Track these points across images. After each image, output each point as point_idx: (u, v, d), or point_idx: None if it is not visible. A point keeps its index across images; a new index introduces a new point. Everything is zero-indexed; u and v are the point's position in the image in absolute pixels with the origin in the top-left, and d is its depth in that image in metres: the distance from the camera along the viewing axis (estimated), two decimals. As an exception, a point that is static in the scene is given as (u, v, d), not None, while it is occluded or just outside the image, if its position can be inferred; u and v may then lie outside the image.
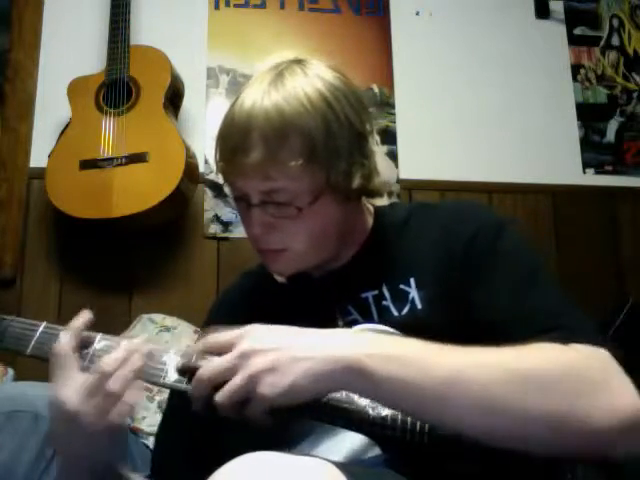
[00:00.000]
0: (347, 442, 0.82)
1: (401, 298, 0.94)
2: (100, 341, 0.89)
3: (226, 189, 0.98)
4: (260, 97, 0.89)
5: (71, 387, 0.81)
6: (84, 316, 0.88)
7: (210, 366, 0.76)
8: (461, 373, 0.73)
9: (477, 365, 0.74)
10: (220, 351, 0.78)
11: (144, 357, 0.82)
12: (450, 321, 0.88)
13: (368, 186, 0.96)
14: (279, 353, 0.74)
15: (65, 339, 0.85)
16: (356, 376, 0.73)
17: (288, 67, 0.93)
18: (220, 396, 0.74)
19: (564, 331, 0.80)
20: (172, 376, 0.83)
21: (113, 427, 0.81)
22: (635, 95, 2.47)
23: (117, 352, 0.82)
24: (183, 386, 0.81)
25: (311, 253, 0.95)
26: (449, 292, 0.91)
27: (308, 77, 0.92)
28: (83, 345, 0.87)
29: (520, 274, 0.90)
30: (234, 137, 0.90)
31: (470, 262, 0.91)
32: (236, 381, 0.74)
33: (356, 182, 0.93)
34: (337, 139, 0.90)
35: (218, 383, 0.75)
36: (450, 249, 0.93)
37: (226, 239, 2.14)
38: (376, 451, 0.82)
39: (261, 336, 0.77)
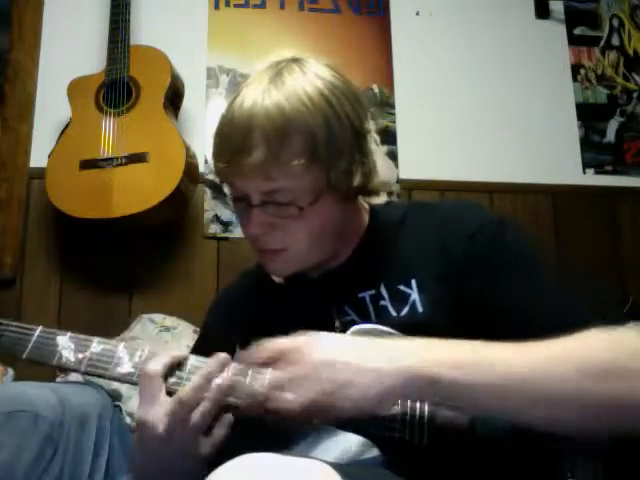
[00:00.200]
0: (345, 443, 0.82)
1: (400, 299, 0.93)
2: (97, 345, 0.89)
3: (225, 189, 0.98)
4: (260, 96, 0.89)
5: (157, 411, 0.81)
6: (184, 354, 0.87)
7: (281, 376, 0.75)
8: (531, 371, 0.74)
9: (541, 361, 0.74)
10: (283, 359, 0.77)
11: (224, 390, 0.80)
12: (453, 322, 0.88)
13: (368, 185, 0.96)
14: (351, 366, 0.74)
15: (157, 361, 0.85)
16: (427, 385, 0.73)
17: (286, 66, 0.93)
18: (291, 404, 0.74)
19: (605, 319, 0.81)
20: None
21: (201, 456, 0.81)
22: (635, 95, 2.47)
23: (194, 380, 0.81)
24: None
25: (310, 252, 0.95)
26: (451, 293, 0.90)
27: (307, 75, 0.92)
28: (80, 349, 0.87)
29: (529, 272, 0.90)
30: (235, 137, 0.89)
31: (471, 263, 0.91)
32: (306, 393, 0.73)
33: (356, 181, 0.93)
34: (338, 138, 0.90)
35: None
36: (449, 249, 0.93)
37: (226, 239, 2.14)
38: (374, 452, 0.82)
39: (327, 347, 0.77)
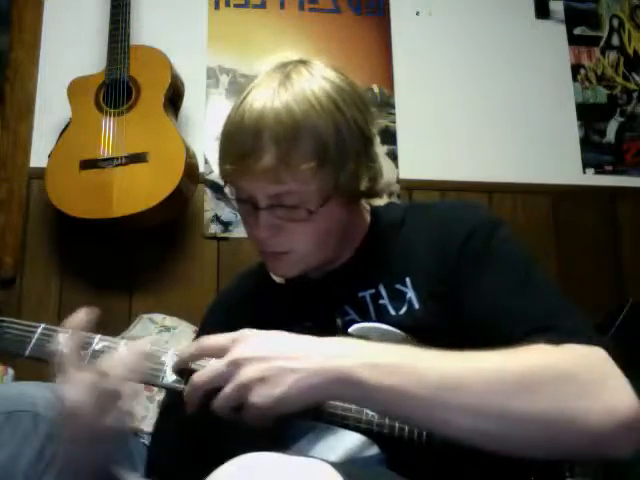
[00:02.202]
0: (345, 440, 0.82)
1: (398, 298, 0.93)
2: (99, 342, 0.89)
3: (226, 190, 0.96)
4: (270, 98, 0.88)
5: (71, 384, 0.81)
6: (81, 315, 0.87)
7: (202, 372, 0.76)
8: (451, 379, 0.73)
9: (468, 369, 0.74)
10: (213, 355, 0.78)
11: (143, 357, 0.83)
12: (445, 321, 0.89)
13: (374, 188, 0.96)
14: (269, 363, 0.74)
15: (65, 338, 0.85)
16: (347, 387, 0.73)
17: (294, 68, 0.93)
18: (215, 402, 0.75)
19: (560, 331, 0.80)
20: (170, 377, 0.83)
21: (112, 429, 0.81)
22: (635, 95, 2.47)
23: (116, 352, 0.84)
24: (181, 387, 0.82)
25: (315, 254, 0.95)
26: (446, 292, 0.91)
27: (315, 78, 0.92)
28: (82, 346, 0.87)
29: (514, 274, 0.90)
30: (244, 139, 0.88)
31: (463, 262, 0.91)
32: (227, 389, 0.74)
33: (363, 185, 0.93)
34: (346, 141, 0.90)
35: (212, 388, 0.76)
36: (446, 249, 0.93)
37: (226, 239, 2.14)
38: (374, 450, 0.82)
39: (253, 343, 0.77)
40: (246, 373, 0.74)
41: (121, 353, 0.83)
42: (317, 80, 0.91)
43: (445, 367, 0.74)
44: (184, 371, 0.82)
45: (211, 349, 0.78)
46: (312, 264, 0.97)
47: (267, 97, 0.88)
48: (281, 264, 0.96)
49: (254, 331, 0.79)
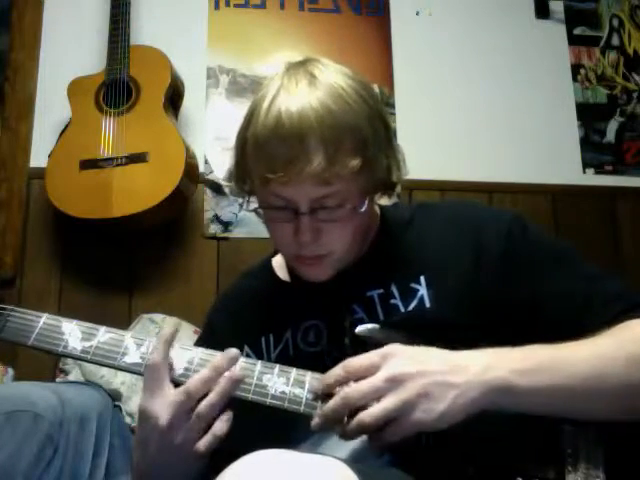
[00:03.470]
0: (350, 443, 0.81)
1: (409, 296, 0.93)
2: (104, 334, 0.88)
3: (253, 200, 0.94)
4: (305, 99, 0.85)
5: (162, 402, 0.80)
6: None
7: (359, 387, 0.75)
8: (589, 369, 0.77)
9: (598, 357, 0.78)
10: (362, 375, 0.76)
11: (235, 380, 0.81)
12: (461, 317, 0.88)
13: (401, 180, 0.96)
14: (429, 379, 0.74)
15: (158, 351, 0.84)
16: (504, 395, 0.75)
17: (313, 66, 0.91)
18: (368, 416, 0.73)
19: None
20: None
21: (199, 453, 0.81)
22: (635, 95, 2.47)
23: (203, 372, 0.81)
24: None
25: (349, 252, 0.95)
26: (473, 291, 0.90)
27: (336, 74, 0.91)
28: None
29: (575, 264, 0.93)
30: (289, 145, 0.84)
31: (513, 260, 0.91)
32: (389, 405, 0.73)
33: (394, 176, 0.93)
34: (378, 134, 0.90)
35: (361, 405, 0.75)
36: (477, 249, 0.93)
37: (226, 239, 2.14)
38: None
39: (405, 359, 0.77)
40: (410, 389, 0.73)
41: (207, 372, 0.81)
42: (339, 76, 0.90)
43: (579, 359, 0.78)
44: (323, 394, 0.79)
45: (361, 369, 0.77)
46: (343, 265, 0.96)
47: (302, 98, 0.86)
48: (319, 267, 0.93)
49: (401, 347, 0.79)
